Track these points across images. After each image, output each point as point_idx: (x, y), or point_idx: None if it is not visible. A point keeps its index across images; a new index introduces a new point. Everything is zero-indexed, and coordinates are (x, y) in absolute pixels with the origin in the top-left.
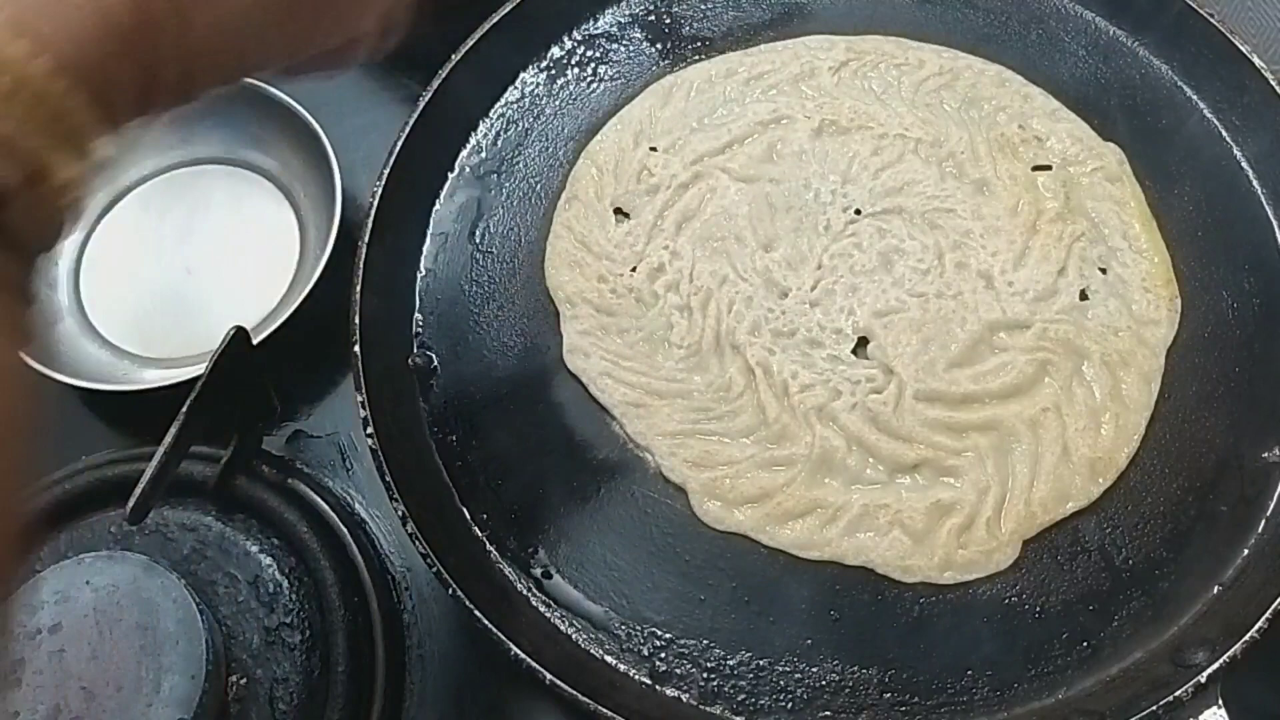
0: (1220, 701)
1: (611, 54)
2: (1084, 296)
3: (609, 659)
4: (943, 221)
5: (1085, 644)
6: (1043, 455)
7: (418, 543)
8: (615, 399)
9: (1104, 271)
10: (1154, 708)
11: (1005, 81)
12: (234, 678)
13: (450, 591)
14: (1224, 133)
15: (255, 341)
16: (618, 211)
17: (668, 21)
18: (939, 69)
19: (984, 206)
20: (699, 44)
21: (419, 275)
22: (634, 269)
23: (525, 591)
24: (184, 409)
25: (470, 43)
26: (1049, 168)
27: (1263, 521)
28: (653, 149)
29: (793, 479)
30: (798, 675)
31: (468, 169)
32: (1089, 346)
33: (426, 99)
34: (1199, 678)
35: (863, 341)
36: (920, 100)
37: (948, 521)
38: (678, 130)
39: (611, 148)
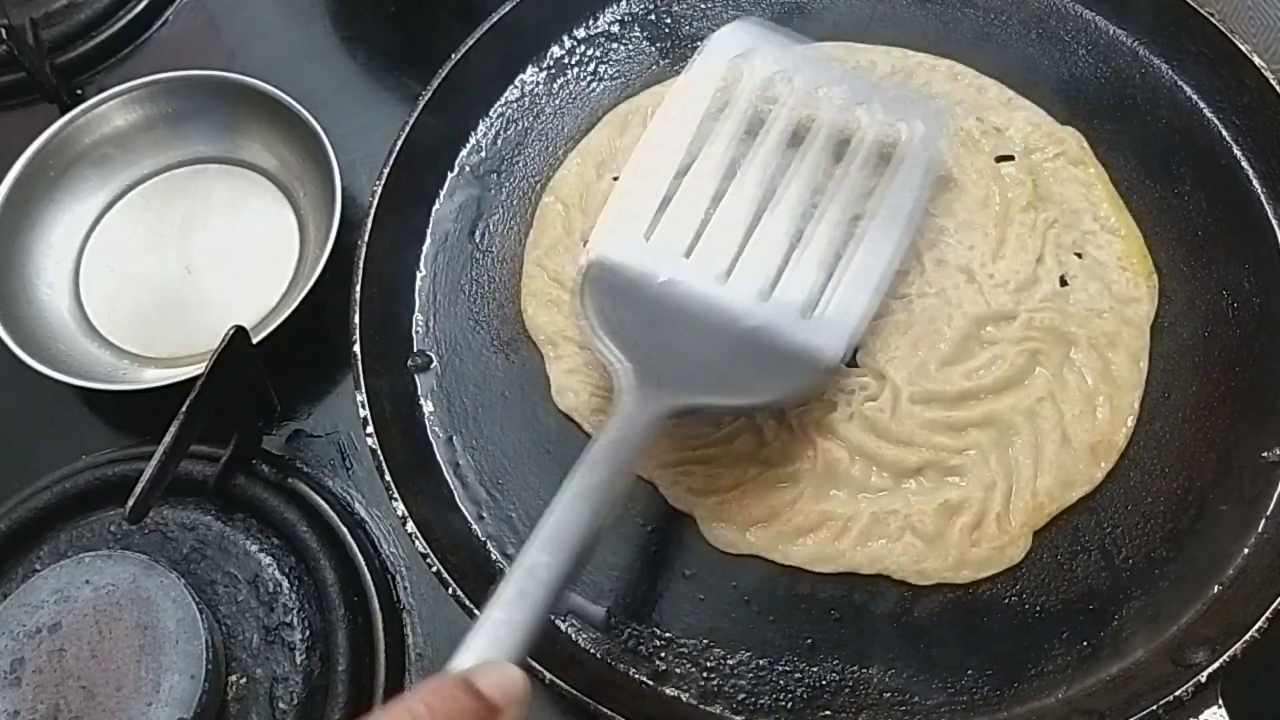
0: (1220, 701)
1: (611, 53)
2: (1064, 282)
3: (609, 659)
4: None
5: (1085, 644)
6: (1043, 445)
7: (418, 543)
8: None
9: (1080, 255)
10: (1154, 707)
11: (958, 76)
12: (234, 677)
13: (450, 591)
14: (1224, 132)
15: (255, 341)
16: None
17: (668, 21)
18: (891, 69)
19: (954, 202)
20: (699, 43)
21: (419, 275)
22: None
23: None
24: (184, 408)
25: (470, 43)
26: (1011, 157)
27: (1263, 521)
28: (615, 179)
29: (799, 495)
30: (798, 675)
31: (468, 169)
32: (1075, 331)
33: (426, 99)
34: (1199, 677)
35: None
36: None
37: (958, 521)
38: None
39: (574, 181)
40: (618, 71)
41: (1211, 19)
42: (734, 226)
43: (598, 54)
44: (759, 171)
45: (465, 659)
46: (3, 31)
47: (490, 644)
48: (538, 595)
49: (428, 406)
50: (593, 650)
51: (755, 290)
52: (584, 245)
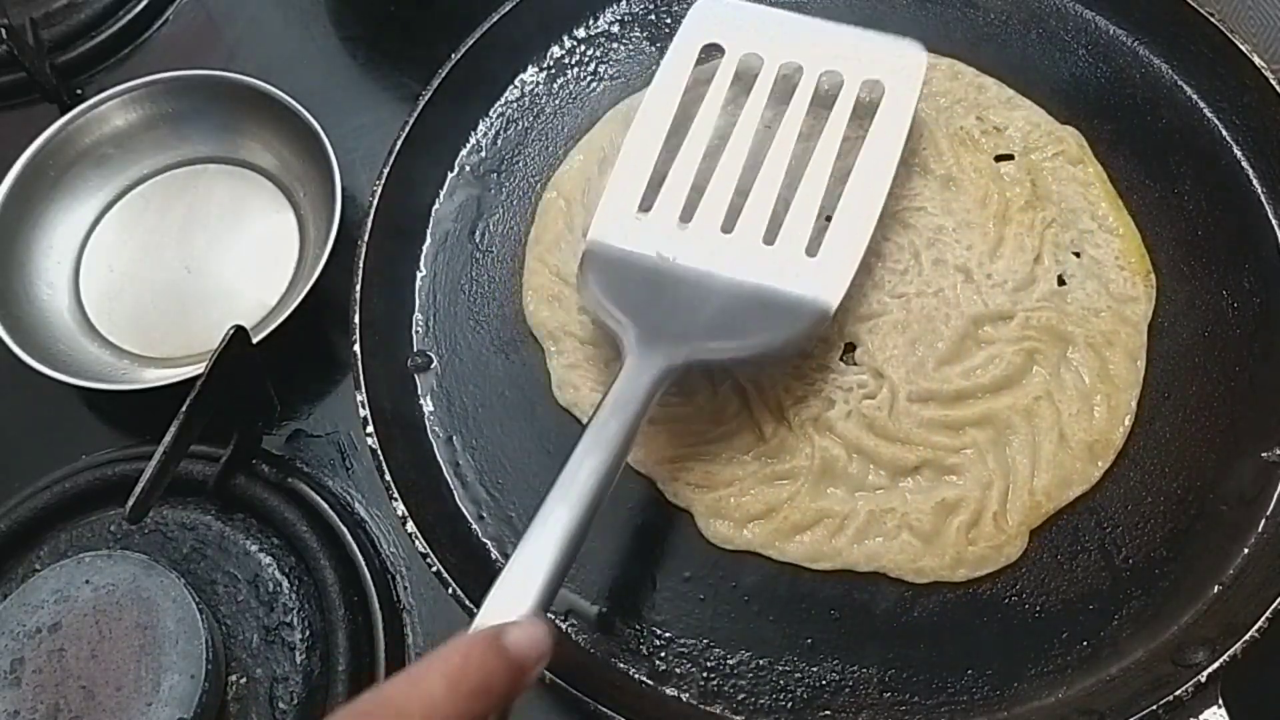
0: (1220, 701)
1: (611, 53)
2: (1061, 281)
3: (609, 659)
4: (914, 220)
5: (1085, 644)
6: (1040, 444)
7: (418, 543)
8: None
9: (1078, 255)
10: (1154, 707)
11: (958, 74)
12: (234, 677)
13: (450, 591)
14: (1224, 132)
15: (255, 341)
16: None
17: (668, 21)
18: None
19: (953, 201)
20: None
21: (419, 275)
22: None
23: None
24: (184, 408)
25: (470, 43)
26: (1011, 156)
27: (1263, 521)
28: None
29: (796, 492)
30: (798, 675)
31: (468, 168)
32: (1072, 330)
33: (426, 99)
34: (1199, 677)
35: (849, 348)
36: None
37: (955, 520)
38: None
39: (577, 177)
40: (618, 71)
41: (1211, 19)
42: (727, 187)
43: (598, 54)
44: (746, 134)
45: (490, 614)
46: (3, 31)
47: (513, 598)
48: (556, 548)
49: (428, 406)
50: (593, 650)
51: (753, 242)
52: (585, 239)
